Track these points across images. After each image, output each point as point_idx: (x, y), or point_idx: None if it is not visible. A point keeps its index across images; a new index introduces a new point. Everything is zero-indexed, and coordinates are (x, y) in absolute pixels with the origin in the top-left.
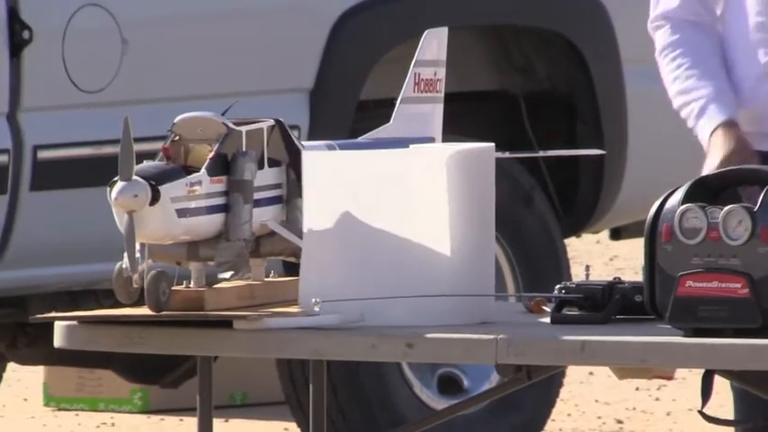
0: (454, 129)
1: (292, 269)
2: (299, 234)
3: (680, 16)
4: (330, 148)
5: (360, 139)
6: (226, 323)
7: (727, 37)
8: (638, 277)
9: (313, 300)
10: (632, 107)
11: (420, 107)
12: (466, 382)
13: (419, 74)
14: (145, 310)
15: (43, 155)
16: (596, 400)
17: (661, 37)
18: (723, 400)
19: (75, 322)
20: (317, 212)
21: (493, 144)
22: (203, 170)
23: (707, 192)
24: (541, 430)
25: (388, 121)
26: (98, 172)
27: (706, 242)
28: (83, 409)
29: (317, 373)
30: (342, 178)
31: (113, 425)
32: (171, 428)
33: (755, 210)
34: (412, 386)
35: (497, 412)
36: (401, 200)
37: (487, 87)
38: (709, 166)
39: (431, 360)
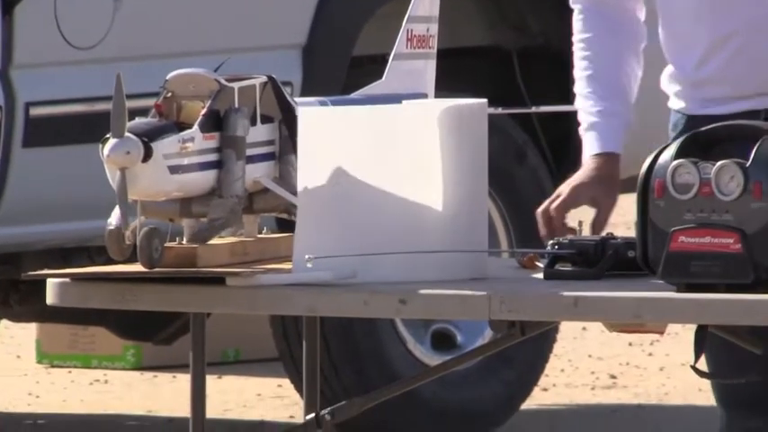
0: (447, 85)
1: (285, 225)
2: (292, 190)
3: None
4: (323, 104)
5: (352, 96)
6: (219, 280)
7: (670, 8)
8: (631, 233)
9: (306, 256)
10: None
11: (413, 63)
12: (459, 338)
13: (412, 30)
14: (137, 267)
15: (35, 111)
16: (589, 356)
17: (576, 24)
18: None
19: (67, 279)
20: (311, 168)
21: (485, 100)
22: (196, 126)
23: (699, 147)
24: (535, 385)
25: (380, 77)
26: (90, 129)
27: (698, 197)
28: (75, 366)
29: (311, 330)
30: (335, 134)
31: (106, 382)
32: (164, 385)
33: (747, 165)
34: (405, 342)
35: (491, 368)
36: (394, 156)
37: (480, 43)
38: (568, 184)
39: (424, 316)
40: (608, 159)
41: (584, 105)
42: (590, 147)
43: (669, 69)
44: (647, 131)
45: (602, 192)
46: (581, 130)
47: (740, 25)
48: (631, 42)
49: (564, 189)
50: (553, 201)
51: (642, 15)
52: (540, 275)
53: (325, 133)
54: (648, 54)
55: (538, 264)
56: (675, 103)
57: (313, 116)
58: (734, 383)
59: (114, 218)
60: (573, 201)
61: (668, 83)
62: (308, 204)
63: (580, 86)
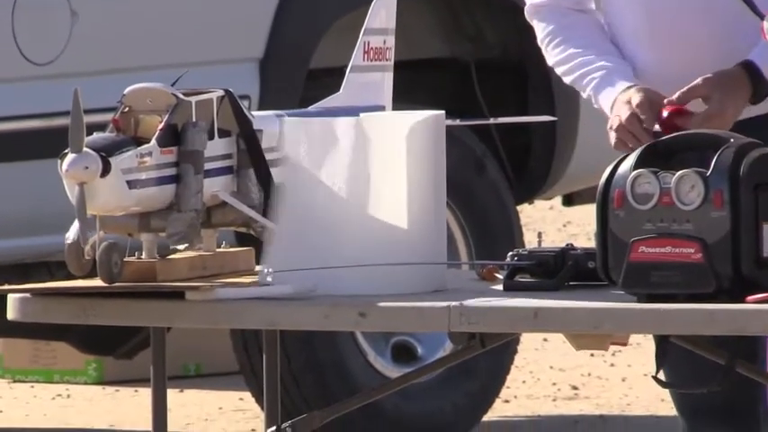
0: (405, 97)
1: (244, 239)
2: (250, 204)
3: (559, 3)
4: (280, 117)
5: (310, 109)
6: (178, 294)
7: (616, 27)
8: (591, 243)
9: (265, 269)
10: None
11: (370, 75)
12: (420, 350)
13: (368, 42)
14: (97, 282)
15: None
16: (551, 367)
17: (540, 26)
18: None
19: (28, 294)
20: (296, 183)
21: (443, 112)
22: (153, 141)
23: (659, 157)
24: (496, 397)
25: (338, 89)
26: (49, 144)
27: (658, 207)
28: (38, 381)
29: (271, 343)
30: (292, 147)
31: (69, 396)
32: (126, 399)
33: (708, 174)
34: (366, 355)
35: (452, 380)
36: (352, 168)
37: (438, 55)
38: (621, 112)
39: (383, 329)
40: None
41: (587, 68)
42: (617, 87)
43: None
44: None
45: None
46: (591, 90)
47: (678, 36)
48: (601, 29)
49: (634, 100)
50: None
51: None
52: (500, 287)
53: (282, 145)
54: None
55: (497, 275)
56: None
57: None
58: (694, 393)
59: (73, 232)
60: (651, 97)
61: None
62: (286, 219)
63: (571, 57)
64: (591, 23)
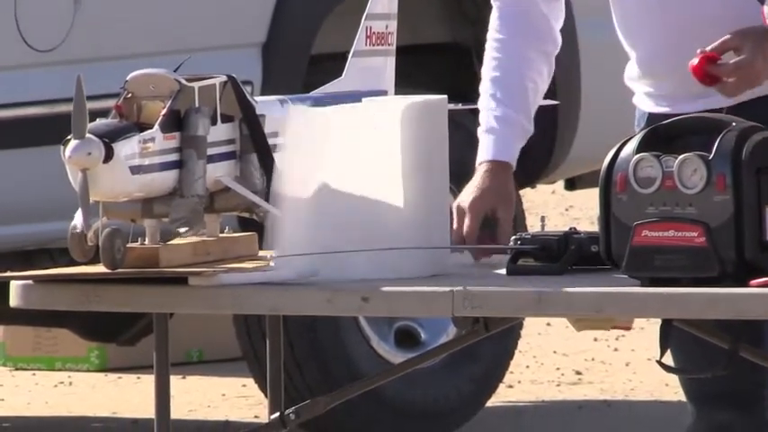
0: (407, 82)
1: (247, 224)
2: (253, 189)
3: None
4: (282, 103)
5: (312, 94)
6: (181, 280)
7: (621, 3)
8: (594, 227)
9: (268, 255)
10: (585, 57)
11: (372, 60)
12: (423, 335)
13: (370, 27)
14: (100, 268)
15: None
16: (555, 352)
17: (492, 23)
18: None
19: (30, 281)
20: (287, 166)
21: (446, 96)
22: (156, 127)
23: (661, 141)
24: (500, 382)
25: (340, 74)
26: (52, 130)
27: (661, 191)
28: (40, 369)
29: (274, 329)
30: (292, 133)
31: (71, 384)
32: (128, 386)
33: (710, 158)
34: (369, 340)
35: (455, 365)
36: (354, 153)
37: (440, 40)
38: (463, 193)
39: (386, 314)
40: (501, 168)
41: (486, 106)
42: (485, 151)
43: (631, 63)
44: (617, 127)
45: (499, 202)
46: (479, 131)
47: (691, 21)
48: (543, 47)
49: (463, 208)
50: (459, 226)
51: (559, 23)
52: (503, 271)
53: (285, 131)
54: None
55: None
56: (637, 100)
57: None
58: (702, 377)
59: (78, 219)
60: (477, 218)
61: (629, 79)
62: (284, 202)
63: (485, 87)
64: (531, 46)
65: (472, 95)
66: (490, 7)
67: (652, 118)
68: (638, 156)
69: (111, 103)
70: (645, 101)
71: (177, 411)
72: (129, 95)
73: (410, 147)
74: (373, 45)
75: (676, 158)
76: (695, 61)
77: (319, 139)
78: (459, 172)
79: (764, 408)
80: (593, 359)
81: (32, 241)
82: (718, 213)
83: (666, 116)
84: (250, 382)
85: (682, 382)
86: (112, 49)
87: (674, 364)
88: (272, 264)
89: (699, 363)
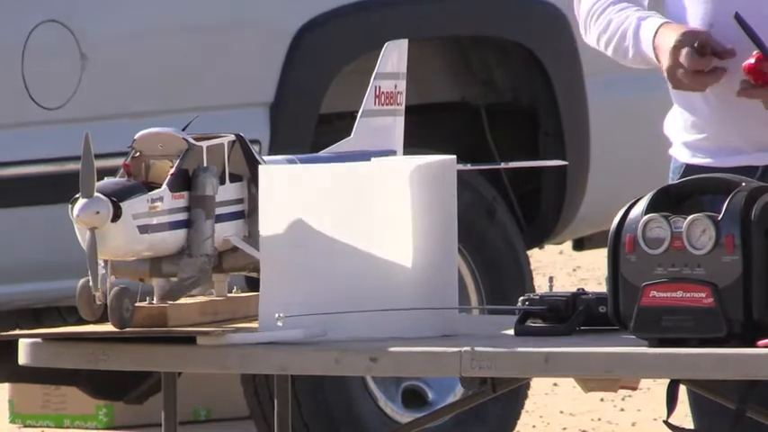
0: (416, 141)
1: (255, 284)
2: None
3: None
4: (291, 162)
5: (321, 153)
6: (189, 339)
7: None
8: (602, 288)
9: (276, 315)
10: (594, 118)
11: (381, 120)
12: (431, 395)
13: (379, 86)
14: (109, 327)
15: (4, 172)
16: (561, 411)
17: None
18: (688, 410)
19: (39, 339)
20: (275, 227)
21: (455, 156)
22: (165, 186)
23: (670, 201)
24: None
25: (349, 134)
26: (60, 189)
27: (670, 252)
28: (48, 426)
29: (282, 388)
30: (301, 192)
31: None
32: None
33: (719, 219)
34: (376, 399)
35: (463, 425)
36: (363, 213)
37: (449, 99)
38: (665, 56)
39: (394, 374)
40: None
41: (623, 21)
42: (652, 26)
43: (673, 112)
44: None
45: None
46: (628, 36)
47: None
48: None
49: (678, 40)
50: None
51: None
52: (511, 331)
53: (289, 190)
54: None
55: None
56: (675, 151)
57: (274, 174)
58: None
59: (86, 278)
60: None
61: (670, 127)
62: (273, 262)
63: (612, 22)
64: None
65: (481, 155)
66: (499, 66)
67: (689, 169)
68: (647, 216)
69: (118, 161)
70: (682, 151)
71: None
72: (138, 154)
73: (419, 206)
74: (382, 104)
75: (685, 219)
76: (752, 60)
77: (326, 196)
78: (468, 232)
79: None
80: (599, 419)
81: (41, 299)
82: (727, 274)
83: (704, 168)
84: None
85: None
86: (120, 108)
87: (693, 421)
88: (279, 324)
89: (720, 420)
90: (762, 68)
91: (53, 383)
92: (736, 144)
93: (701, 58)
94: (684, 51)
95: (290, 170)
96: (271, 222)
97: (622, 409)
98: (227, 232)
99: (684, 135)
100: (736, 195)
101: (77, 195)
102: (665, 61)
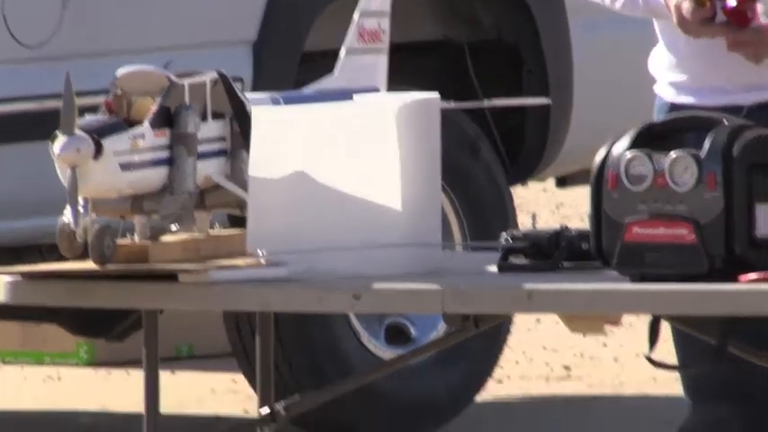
0: (399, 79)
1: (237, 222)
2: (244, 186)
3: None
4: (274, 100)
5: (304, 91)
6: (171, 276)
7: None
8: (585, 225)
9: (259, 252)
10: (577, 56)
11: (364, 58)
12: (413, 332)
13: (363, 25)
14: (89, 265)
15: None
16: (544, 347)
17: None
18: (670, 345)
19: (19, 277)
20: (264, 166)
21: (438, 94)
22: (146, 123)
23: (653, 138)
24: (489, 377)
25: (332, 72)
26: (41, 127)
27: (652, 189)
28: (28, 363)
29: (264, 325)
30: (289, 131)
31: (59, 378)
32: (117, 382)
33: (701, 156)
34: (359, 336)
35: (445, 361)
36: (347, 151)
37: (432, 37)
38: (672, 13)
39: (377, 311)
40: None
41: None
42: None
43: (657, 51)
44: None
45: None
46: None
47: None
48: None
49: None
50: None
51: None
52: (494, 268)
53: (277, 130)
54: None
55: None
56: (660, 89)
57: (265, 114)
58: (704, 372)
59: (67, 215)
60: None
61: (655, 65)
62: (260, 200)
63: None
64: None
65: (464, 94)
66: (482, 4)
67: (674, 108)
68: (629, 153)
69: (100, 99)
70: (668, 90)
71: (166, 406)
72: (119, 92)
73: (402, 144)
74: (366, 42)
75: (668, 156)
76: (732, 3)
77: (309, 134)
78: (451, 170)
79: (761, 405)
80: (581, 355)
81: (21, 237)
82: (709, 210)
83: (689, 107)
84: (240, 377)
85: (681, 376)
86: (102, 46)
87: (677, 356)
88: (262, 261)
89: (700, 357)
90: (743, 8)
91: (33, 321)
92: (720, 84)
93: (700, 9)
94: (684, 6)
95: (279, 111)
96: (259, 162)
97: (605, 345)
98: (208, 169)
99: (669, 74)
100: (719, 133)
101: (58, 133)
102: (674, 18)
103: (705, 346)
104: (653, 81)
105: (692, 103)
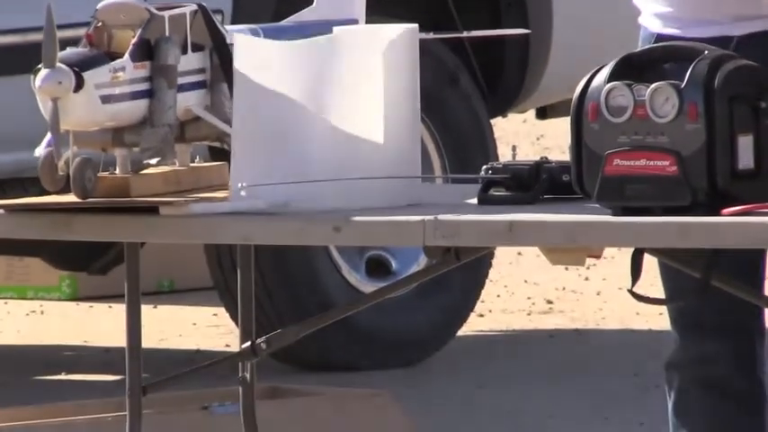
0: (378, 10)
1: (218, 154)
2: (224, 119)
3: None
4: (253, 32)
5: (283, 23)
6: (152, 209)
7: None
8: (566, 157)
9: (240, 184)
10: None
11: None
12: (394, 265)
13: None
14: (71, 198)
15: None
16: (525, 281)
17: None
18: (653, 279)
19: (1, 210)
20: (246, 99)
21: (417, 25)
22: (127, 56)
23: (633, 69)
24: (471, 311)
25: (311, 3)
26: (22, 59)
27: (633, 120)
28: (12, 297)
29: (245, 258)
30: (270, 64)
31: (42, 312)
32: (100, 315)
33: (682, 86)
34: (340, 269)
35: (426, 294)
36: (326, 83)
37: None
38: None
39: (358, 243)
40: None
41: None
42: None
43: None
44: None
45: None
46: None
47: None
48: None
49: None
50: None
51: None
52: (475, 200)
53: (259, 62)
54: None
55: None
56: (645, 20)
57: (247, 44)
58: (691, 306)
59: (43, 148)
60: None
61: None
62: (243, 133)
63: None
64: None
65: (444, 24)
66: None
67: (660, 39)
68: (609, 84)
69: (81, 32)
70: (653, 21)
71: (148, 340)
72: (100, 24)
73: (381, 76)
74: None
75: (648, 87)
76: None
77: (289, 66)
78: (431, 101)
79: (752, 339)
80: (563, 288)
81: (4, 171)
82: (690, 142)
83: (675, 38)
84: (221, 311)
85: (669, 310)
86: None
87: (664, 291)
88: (243, 193)
89: (689, 291)
90: None
91: (16, 254)
92: (708, 15)
93: None
94: None
95: (261, 43)
96: (242, 95)
97: (587, 278)
98: (189, 102)
99: (654, 5)
100: (699, 63)
101: (40, 66)
102: None
103: (691, 280)
104: (637, 12)
105: (679, 35)
